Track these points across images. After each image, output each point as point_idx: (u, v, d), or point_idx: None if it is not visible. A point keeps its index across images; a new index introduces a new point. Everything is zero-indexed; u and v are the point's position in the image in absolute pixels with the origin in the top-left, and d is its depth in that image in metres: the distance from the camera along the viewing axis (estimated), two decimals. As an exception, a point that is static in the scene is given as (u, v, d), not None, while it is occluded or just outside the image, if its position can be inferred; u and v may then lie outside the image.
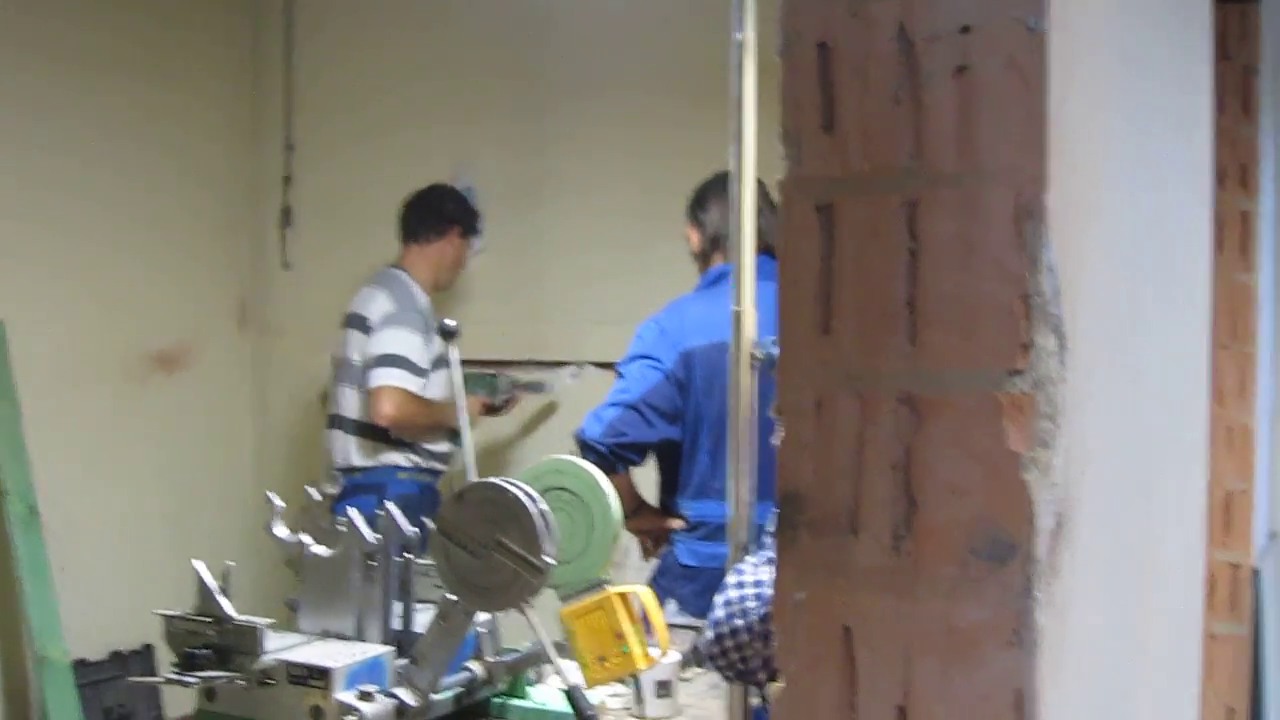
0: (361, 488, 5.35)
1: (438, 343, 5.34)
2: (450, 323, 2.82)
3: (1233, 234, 4.23)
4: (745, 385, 2.51)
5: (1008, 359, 1.23)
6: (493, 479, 2.43)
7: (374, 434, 5.39)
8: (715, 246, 4.23)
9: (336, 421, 5.52)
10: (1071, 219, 1.28)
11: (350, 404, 5.45)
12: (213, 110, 6.37)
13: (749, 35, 2.45)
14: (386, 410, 5.22)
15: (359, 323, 5.43)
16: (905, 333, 1.27)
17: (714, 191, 4.17)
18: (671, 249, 5.35)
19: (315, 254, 6.43)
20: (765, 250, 3.05)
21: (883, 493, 1.28)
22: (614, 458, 4.02)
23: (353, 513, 2.72)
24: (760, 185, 2.65)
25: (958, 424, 1.25)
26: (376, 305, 5.42)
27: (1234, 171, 4.17)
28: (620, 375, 4.16)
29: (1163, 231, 1.87)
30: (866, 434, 1.29)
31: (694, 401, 4.03)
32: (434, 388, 5.44)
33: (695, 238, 4.36)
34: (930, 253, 1.26)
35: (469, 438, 2.75)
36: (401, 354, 5.29)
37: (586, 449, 4.01)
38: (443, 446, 5.56)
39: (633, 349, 4.17)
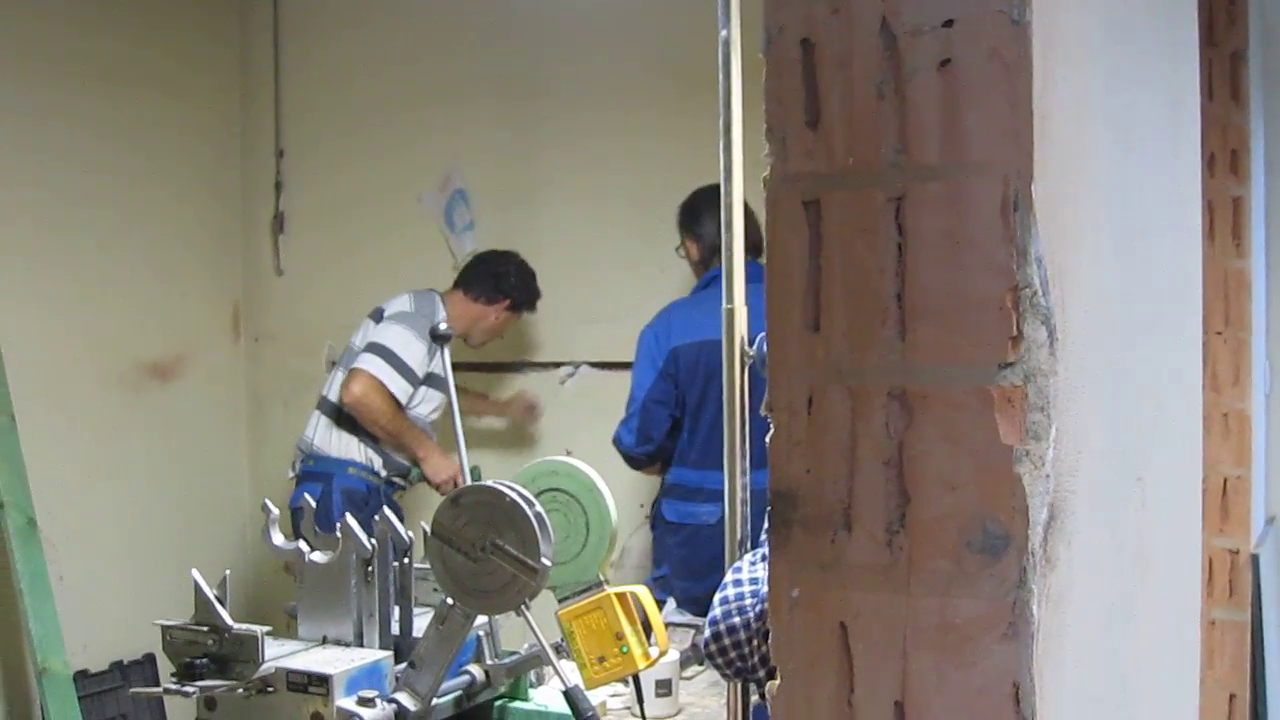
0: (311, 475, 5.42)
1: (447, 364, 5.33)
2: (443, 326, 2.83)
3: (1224, 220, 4.23)
4: (737, 383, 2.50)
5: (998, 352, 1.23)
6: (488, 482, 2.43)
7: (339, 419, 5.45)
8: (715, 253, 4.63)
9: (320, 402, 5.58)
10: (1059, 209, 1.28)
11: (335, 387, 5.49)
12: (203, 117, 6.36)
13: (735, 33, 2.45)
14: (354, 389, 5.23)
15: (377, 314, 5.49)
16: (894, 328, 1.27)
17: (706, 203, 4.68)
18: (662, 249, 5.37)
19: (308, 260, 6.42)
20: (755, 254, 3.70)
21: (875, 488, 1.28)
22: (649, 459, 4.85)
23: (349, 519, 2.72)
24: None
25: (949, 418, 1.25)
26: (397, 303, 5.48)
27: (1224, 158, 4.18)
28: (632, 379, 4.83)
29: (1153, 219, 1.87)
30: (858, 430, 1.29)
31: (681, 390, 4.71)
32: (425, 404, 5.49)
33: (694, 248, 4.92)
34: (917, 247, 1.26)
35: (463, 442, 2.75)
36: (393, 349, 5.29)
37: (629, 458, 4.80)
38: (402, 459, 5.54)
39: (638, 353, 4.82)
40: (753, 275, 3.99)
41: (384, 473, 5.49)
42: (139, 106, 5.93)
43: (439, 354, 2.63)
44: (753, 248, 3.91)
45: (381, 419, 5.29)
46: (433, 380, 5.45)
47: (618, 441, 4.82)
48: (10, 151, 5.42)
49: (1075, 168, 1.39)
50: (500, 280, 5.59)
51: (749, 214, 3.87)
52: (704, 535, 4.44)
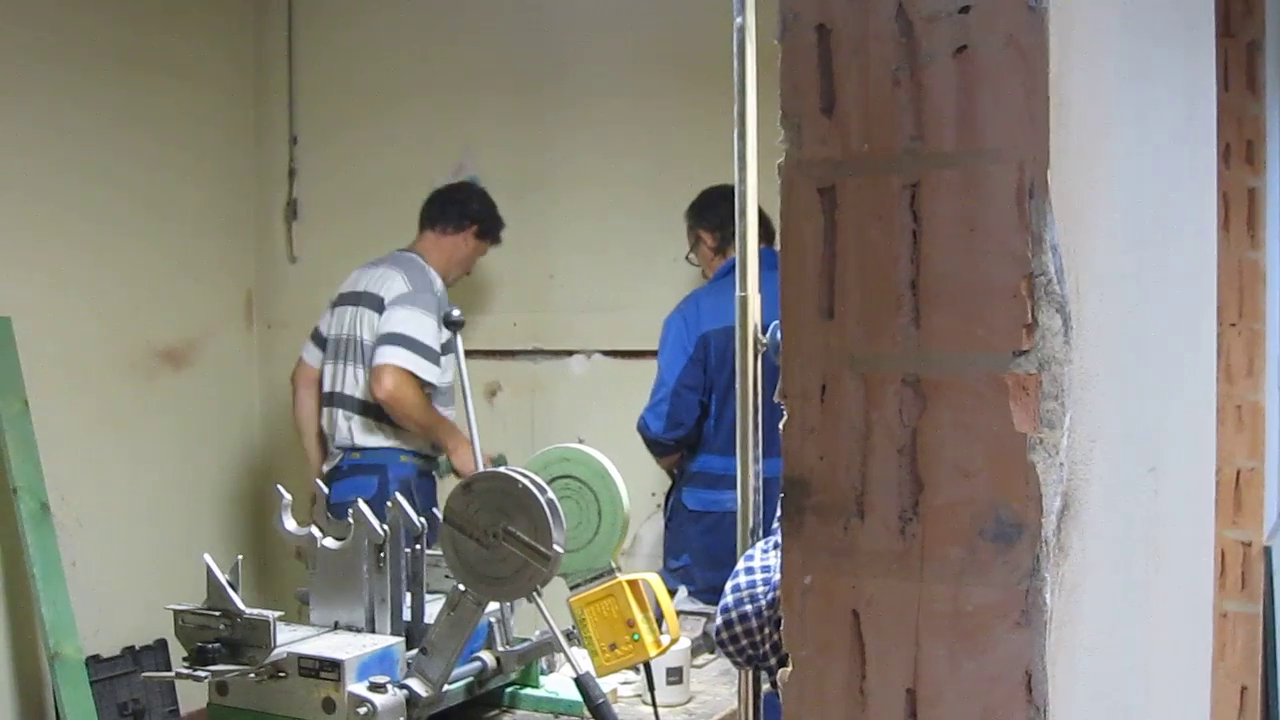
0: (361, 468, 5.38)
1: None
2: (455, 313, 2.82)
3: (1239, 211, 4.22)
4: (750, 370, 2.50)
5: (1012, 340, 1.23)
6: (500, 468, 2.43)
7: (377, 414, 5.38)
8: (726, 244, 4.92)
9: (338, 400, 5.50)
10: (1074, 197, 1.28)
11: (355, 383, 5.44)
12: (217, 103, 6.37)
13: (750, 20, 2.44)
14: (386, 385, 5.18)
15: (373, 302, 5.42)
16: (909, 315, 1.27)
17: (719, 196, 4.93)
18: (676, 237, 5.37)
19: (322, 247, 6.43)
20: (769, 242, 4.18)
21: (889, 476, 1.28)
22: (677, 445, 4.90)
23: (361, 505, 2.72)
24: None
25: (963, 406, 1.25)
26: (392, 285, 5.41)
27: (1240, 148, 4.16)
28: (659, 367, 4.94)
29: (1168, 208, 1.86)
30: (872, 417, 1.29)
31: (710, 376, 4.80)
32: (446, 372, 5.45)
33: (710, 238, 5.07)
34: (933, 234, 1.26)
35: (476, 428, 2.74)
36: (411, 335, 5.27)
37: (655, 444, 4.86)
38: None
39: (665, 339, 4.91)
40: (769, 262, 4.27)
41: (428, 451, 5.50)
42: (153, 92, 5.94)
43: (453, 338, 2.63)
44: (768, 235, 4.34)
45: (415, 413, 5.27)
46: (446, 345, 5.42)
47: (644, 428, 4.88)
48: (24, 136, 5.43)
49: (1091, 156, 1.38)
50: (464, 207, 5.61)
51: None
52: (729, 523, 4.45)
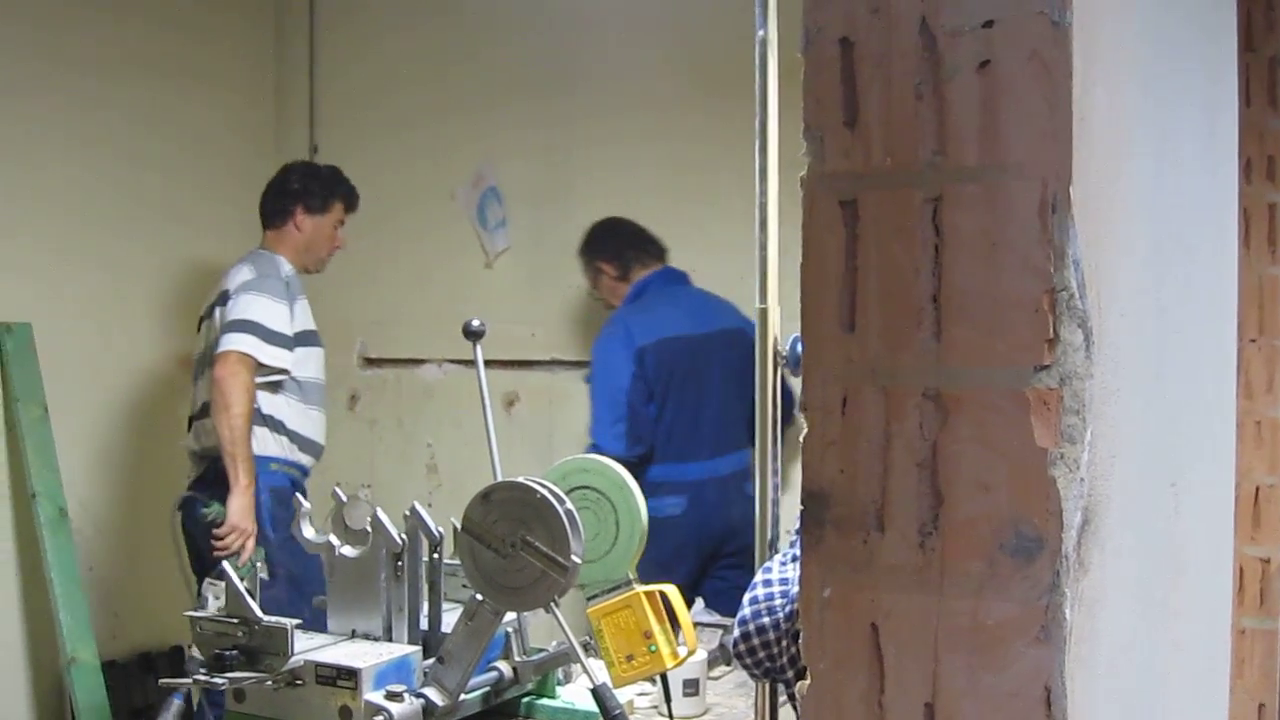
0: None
1: (306, 314, 5.16)
2: (475, 322, 2.83)
3: (1260, 227, 4.21)
4: (769, 384, 2.50)
5: (1034, 354, 1.23)
6: (518, 478, 2.44)
7: (257, 414, 5.00)
8: (628, 270, 5.25)
9: (207, 409, 5.05)
10: (1097, 212, 1.28)
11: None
12: (237, 112, 6.39)
13: (772, 32, 2.45)
14: (218, 370, 4.84)
15: (223, 299, 5.10)
16: (930, 329, 1.27)
17: (609, 229, 5.38)
18: (694, 248, 5.37)
19: (341, 256, 6.42)
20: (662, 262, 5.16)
21: (909, 489, 1.28)
22: (640, 461, 4.85)
23: (380, 513, 2.73)
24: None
25: (984, 420, 1.25)
26: (237, 276, 5.12)
27: (1261, 164, 4.15)
28: (594, 391, 5.12)
29: (1189, 224, 1.86)
30: (892, 431, 1.29)
31: (650, 388, 4.97)
32: (311, 363, 5.15)
33: (611, 269, 5.30)
34: (954, 248, 1.26)
35: (494, 439, 2.75)
36: (254, 319, 4.93)
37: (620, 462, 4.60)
38: (312, 433, 5.15)
39: (600, 364, 5.10)
40: (670, 279, 5.12)
41: (305, 460, 5.13)
42: (174, 101, 5.95)
43: (473, 348, 2.59)
44: (659, 255, 5.09)
45: (235, 405, 4.80)
46: (306, 337, 5.12)
47: (598, 447, 4.86)
48: (45, 144, 5.45)
49: (1113, 171, 1.38)
50: (283, 192, 5.30)
51: (638, 226, 5.19)
52: (668, 528, 4.44)
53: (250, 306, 4.94)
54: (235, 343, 4.86)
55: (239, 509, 4.68)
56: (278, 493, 4.90)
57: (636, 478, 4.80)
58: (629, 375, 4.95)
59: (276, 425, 5.01)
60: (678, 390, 4.97)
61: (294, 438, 5.06)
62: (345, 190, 5.37)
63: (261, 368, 4.93)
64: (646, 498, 4.79)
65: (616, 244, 5.30)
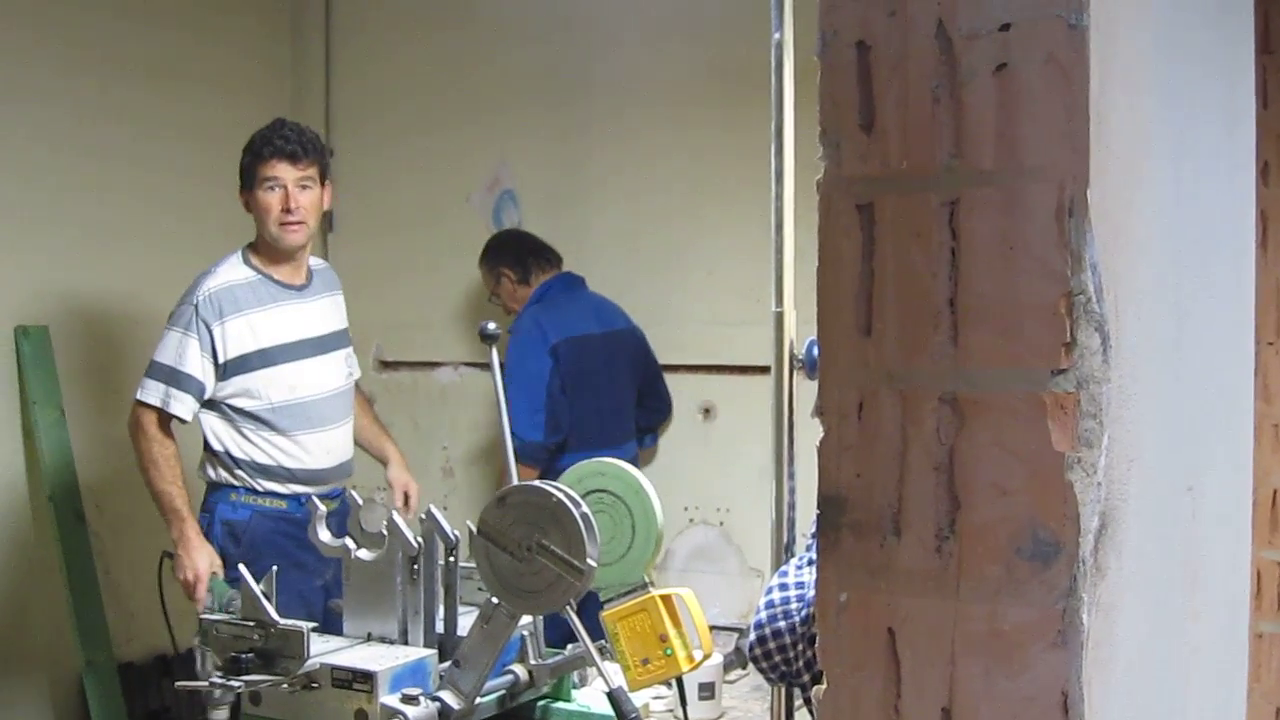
0: (201, 508, 4.51)
1: (276, 326, 4.45)
2: (491, 325, 2.83)
3: (1278, 229, 4.19)
4: (785, 388, 2.50)
5: (1051, 358, 1.22)
6: (534, 482, 2.44)
7: (207, 446, 4.50)
8: (529, 274, 5.51)
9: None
10: (1114, 216, 1.27)
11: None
12: (253, 116, 6.34)
13: (788, 35, 2.45)
14: (129, 420, 4.40)
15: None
16: (947, 332, 1.27)
17: (508, 239, 5.70)
18: (711, 251, 5.38)
19: (357, 260, 6.43)
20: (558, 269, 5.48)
21: (925, 493, 1.28)
22: (556, 448, 5.22)
23: (396, 516, 2.73)
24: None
25: (1001, 424, 1.24)
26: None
27: (1278, 166, 4.13)
28: (512, 385, 5.03)
29: (1206, 227, 1.86)
30: (909, 434, 1.29)
31: (564, 381, 5.27)
32: (280, 384, 4.44)
33: (513, 274, 5.54)
34: (971, 251, 1.25)
35: (510, 444, 2.76)
36: (155, 359, 4.37)
37: (537, 451, 5.15)
38: (293, 462, 4.49)
39: (516, 362, 5.26)
40: (570, 283, 5.49)
41: (287, 489, 4.48)
42: (189, 104, 5.96)
43: (489, 351, 2.54)
44: (556, 261, 5.53)
45: (140, 459, 4.37)
46: (249, 362, 4.38)
47: (521, 439, 5.07)
48: (62, 148, 5.45)
49: (1131, 174, 1.38)
50: (248, 149, 4.50)
51: (536, 237, 5.54)
52: None
53: (159, 346, 4.39)
54: (138, 391, 4.36)
55: (187, 558, 4.28)
56: (232, 526, 4.45)
57: (550, 465, 5.07)
58: (547, 369, 5.25)
59: (225, 458, 4.44)
60: (586, 384, 5.34)
61: (260, 470, 4.45)
62: (256, 147, 4.52)
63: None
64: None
65: (518, 251, 5.59)
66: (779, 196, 2.45)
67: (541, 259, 5.56)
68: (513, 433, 5.00)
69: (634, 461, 5.01)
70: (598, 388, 5.40)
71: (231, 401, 4.39)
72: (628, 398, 5.52)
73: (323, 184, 4.59)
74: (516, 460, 5.03)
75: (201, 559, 4.25)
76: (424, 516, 2.75)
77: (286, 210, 4.45)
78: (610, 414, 5.42)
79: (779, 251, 2.47)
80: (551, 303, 5.42)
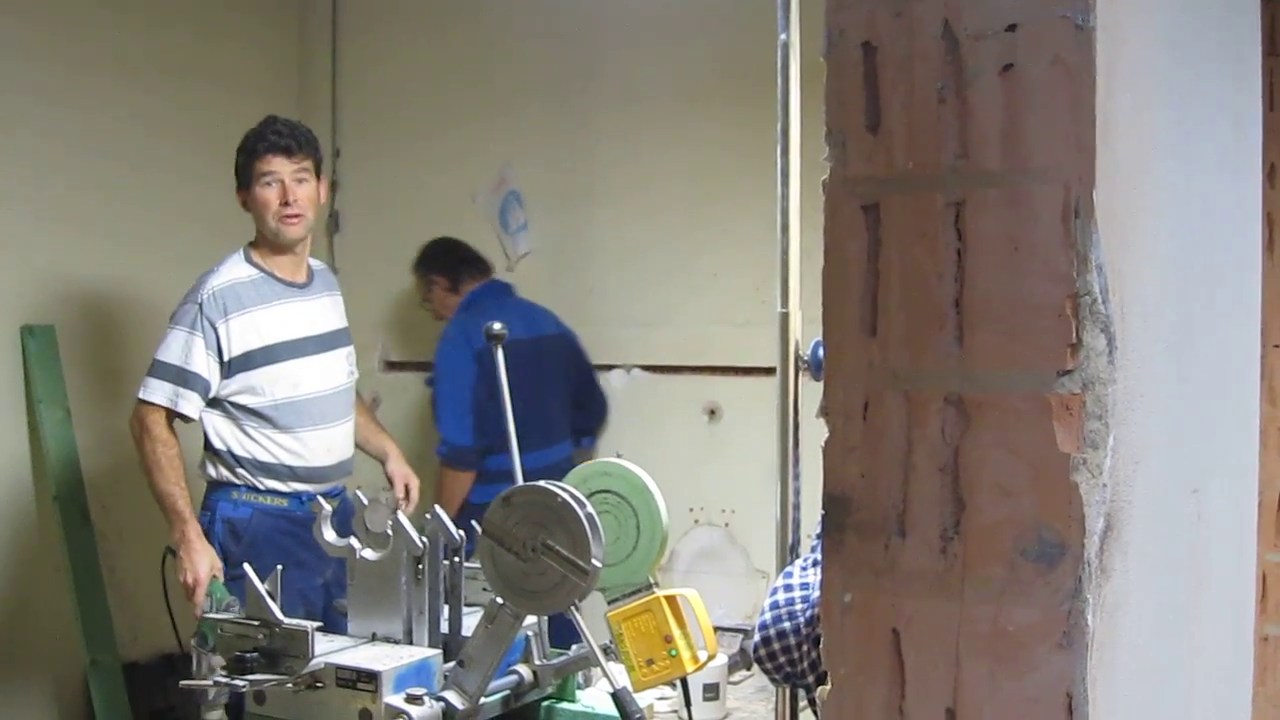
0: (203, 505, 4.50)
1: (280, 323, 4.46)
2: (496, 325, 2.83)
3: (1284, 233, 4.19)
4: (790, 391, 2.50)
5: (1057, 359, 1.22)
6: (539, 482, 2.43)
7: (209, 445, 4.49)
8: (459, 283, 5.65)
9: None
10: (1119, 216, 1.27)
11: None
12: (259, 115, 6.38)
13: (794, 36, 2.44)
14: (131, 419, 4.40)
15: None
16: (952, 333, 1.27)
17: (440, 247, 5.79)
18: (717, 253, 5.38)
19: (363, 259, 6.44)
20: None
21: (930, 494, 1.28)
22: (484, 451, 5.31)
23: (401, 516, 2.73)
24: None
25: (1006, 425, 1.24)
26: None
27: (1285, 169, 4.13)
28: (440, 391, 5.49)
29: (1212, 229, 1.85)
30: (914, 435, 1.29)
31: (488, 387, 5.22)
32: (283, 381, 4.46)
33: (444, 281, 5.70)
34: (977, 252, 1.25)
35: (515, 444, 2.75)
36: (157, 358, 4.37)
37: (464, 455, 5.29)
38: (294, 460, 4.49)
39: (448, 367, 5.46)
40: (499, 290, 5.64)
41: (289, 488, 4.49)
42: (196, 103, 5.95)
43: (494, 350, 2.54)
44: (483, 270, 5.68)
45: (143, 459, 4.37)
46: (253, 359, 4.40)
47: (449, 442, 5.33)
48: (68, 147, 5.45)
49: (1137, 176, 1.38)
50: (241, 150, 4.54)
51: (468, 245, 5.68)
52: None
53: (161, 345, 4.39)
54: (140, 390, 4.37)
55: (187, 560, 4.26)
56: (233, 524, 4.45)
57: (479, 469, 5.23)
58: (472, 374, 5.33)
59: (227, 457, 4.44)
60: (516, 388, 5.21)
61: (262, 468, 4.45)
62: (250, 145, 4.56)
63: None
64: (489, 484, 5.12)
65: (449, 259, 5.73)
66: (785, 197, 2.45)
67: (472, 268, 5.69)
68: (443, 436, 5.18)
69: (566, 462, 5.27)
70: (529, 391, 5.26)
71: (235, 399, 4.39)
72: (557, 401, 5.60)
73: (318, 178, 4.61)
74: (449, 464, 5.31)
75: (202, 563, 4.24)
76: (429, 516, 2.74)
77: (285, 203, 4.48)
78: (543, 416, 5.41)
79: (784, 252, 2.47)
80: (479, 310, 5.47)
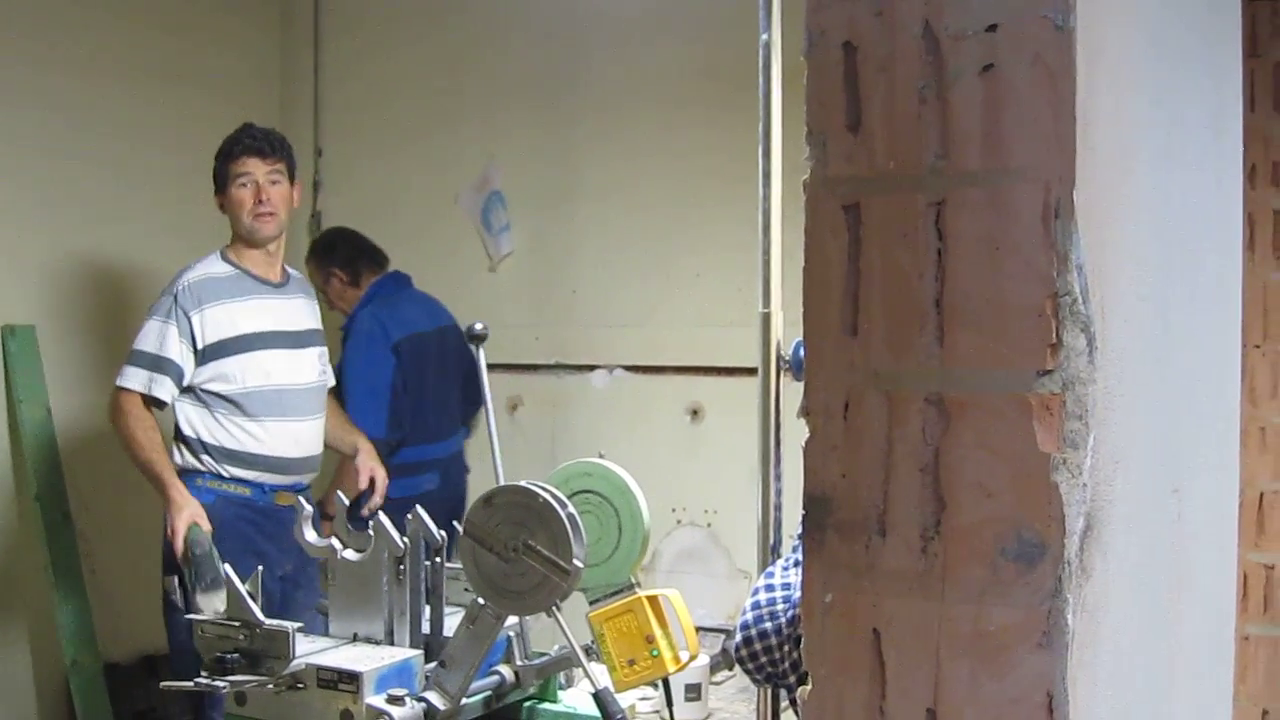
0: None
1: (252, 315, 4.56)
2: (479, 326, 2.83)
3: (1265, 233, 4.21)
4: (772, 389, 2.49)
5: (1037, 359, 1.22)
6: (521, 482, 2.43)
7: (178, 432, 4.54)
8: (359, 276, 5.62)
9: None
10: (1100, 217, 1.27)
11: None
12: (242, 116, 6.34)
13: (775, 36, 2.45)
14: (110, 405, 4.50)
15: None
16: (933, 333, 1.27)
17: (336, 241, 5.75)
18: (699, 253, 5.37)
19: (345, 259, 6.44)
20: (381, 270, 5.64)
21: (911, 494, 1.28)
22: (398, 444, 5.35)
23: (382, 516, 2.72)
24: None
25: (986, 425, 1.24)
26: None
27: (1266, 170, 4.15)
28: (354, 384, 5.38)
29: (1193, 229, 1.86)
30: (895, 435, 1.29)
31: (405, 379, 5.43)
32: (254, 370, 4.53)
33: (344, 274, 5.64)
34: (958, 252, 1.25)
35: (497, 443, 2.75)
36: (135, 346, 4.48)
37: (381, 446, 5.11)
38: (265, 447, 4.55)
39: (362, 359, 5.41)
40: (399, 282, 5.65)
41: (254, 477, 4.54)
42: (178, 104, 5.94)
43: (475, 351, 2.56)
44: (380, 263, 5.66)
45: (124, 441, 4.44)
46: (226, 347, 4.49)
47: (367, 433, 5.15)
48: (49, 148, 5.44)
49: (1117, 176, 1.38)
50: (219, 155, 4.71)
51: (364, 237, 5.67)
52: (428, 501, 4.26)
53: (139, 334, 4.50)
54: (117, 378, 4.46)
55: (172, 510, 4.33)
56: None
57: (391, 461, 5.15)
58: (390, 367, 5.37)
59: (195, 444, 4.50)
60: (423, 380, 5.51)
61: (228, 455, 4.51)
62: (226, 148, 4.73)
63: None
64: (404, 477, 5.18)
65: (348, 252, 5.67)
66: (766, 197, 2.45)
67: (371, 260, 5.67)
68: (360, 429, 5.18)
69: (462, 452, 5.63)
70: (431, 383, 5.55)
71: (207, 386, 4.50)
72: (454, 392, 5.65)
73: (291, 182, 4.77)
74: None
75: (181, 515, 4.34)
76: (410, 517, 2.74)
77: (259, 201, 4.64)
78: (440, 408, 5.56)
79: (766, 252, 2.47)
80: (386, 301, 5.53)
